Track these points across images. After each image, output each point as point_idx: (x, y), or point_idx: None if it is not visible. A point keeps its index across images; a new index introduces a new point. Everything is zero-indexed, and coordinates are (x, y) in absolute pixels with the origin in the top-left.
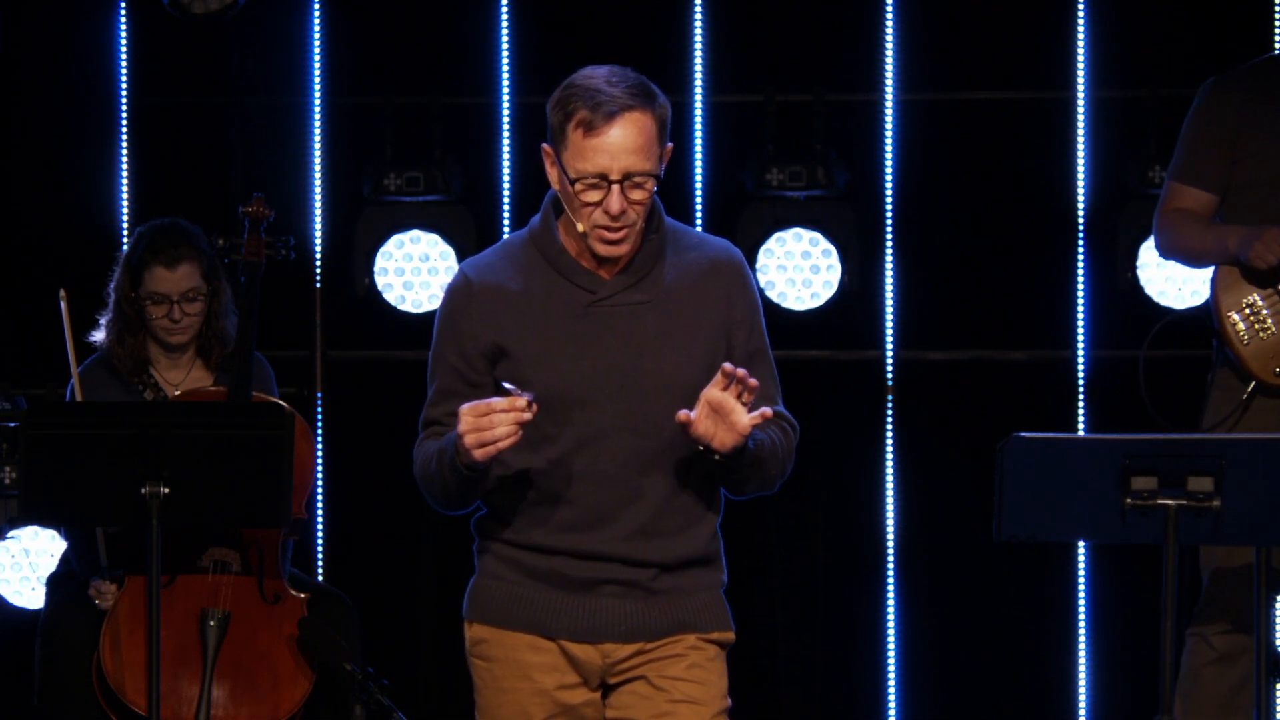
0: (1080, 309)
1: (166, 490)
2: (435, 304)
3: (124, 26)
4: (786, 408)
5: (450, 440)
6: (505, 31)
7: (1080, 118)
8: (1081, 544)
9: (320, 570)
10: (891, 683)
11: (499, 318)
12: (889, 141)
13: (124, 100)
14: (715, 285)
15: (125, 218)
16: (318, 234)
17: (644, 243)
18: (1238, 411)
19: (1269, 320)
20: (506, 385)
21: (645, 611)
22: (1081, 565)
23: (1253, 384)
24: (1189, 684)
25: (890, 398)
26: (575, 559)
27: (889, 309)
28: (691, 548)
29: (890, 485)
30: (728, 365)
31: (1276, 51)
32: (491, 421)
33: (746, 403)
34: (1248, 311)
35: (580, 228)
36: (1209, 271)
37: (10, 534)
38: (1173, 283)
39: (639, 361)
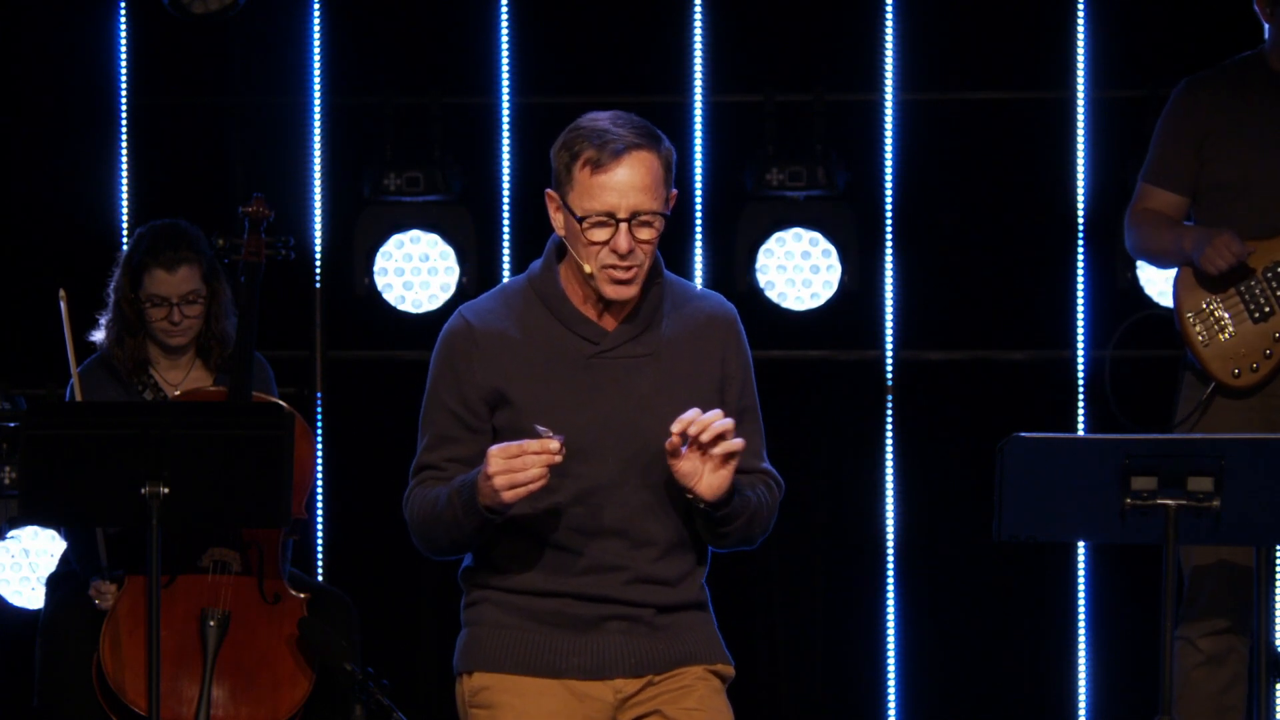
0: (1080, 309)
1: (166, 490)
2: (435, 304)
3: (124, 26)
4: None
5: (464, 483)
6: (505, 31)
7: (1080, 118)
8: (1081, 544)
9: (320, 570)
10: (891, 683)
11: (502, 364)
12: (889, 141)
13: (124, 100)
14: (711, 340)
15: (125, 218)
16: (318, 234)
17: (647, 292)
18: (1197, 412)
19: (1227, 322)
20: (540, 429)
21: (651, 646)
22: (1081, 565)
23: (1212, 385)
24: (1181, 688)
25: (890, 398)
26: (578, 600)
27: (889, 309)
28: (686, 596)
29: (890, 485)
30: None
31: (1247, 52)
32: (525, 463)
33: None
34: (1206, 313)
35: (587, 269)
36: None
37: (10, 534)
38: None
39: (639, 416)
